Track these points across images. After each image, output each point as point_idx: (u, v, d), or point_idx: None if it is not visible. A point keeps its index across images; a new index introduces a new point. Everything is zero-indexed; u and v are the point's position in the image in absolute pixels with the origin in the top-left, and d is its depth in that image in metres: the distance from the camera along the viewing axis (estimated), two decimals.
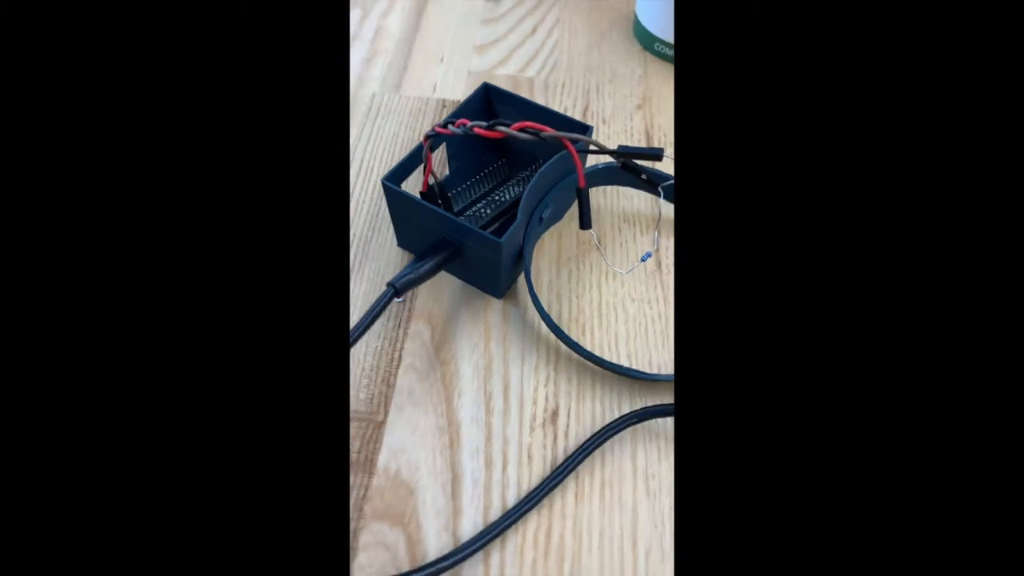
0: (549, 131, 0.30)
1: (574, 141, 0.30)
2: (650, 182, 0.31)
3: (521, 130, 0.30)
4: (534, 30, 0.57)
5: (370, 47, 0.55)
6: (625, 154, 0.29)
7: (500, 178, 0.41)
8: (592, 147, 0.30)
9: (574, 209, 0.43)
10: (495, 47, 0.56)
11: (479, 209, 0.40)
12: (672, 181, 0.38)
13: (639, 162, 0.32)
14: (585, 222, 0.31)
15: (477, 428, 0.34)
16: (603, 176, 0.41)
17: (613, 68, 0.54)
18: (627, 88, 0.52)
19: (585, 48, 0.55)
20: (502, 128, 0.30)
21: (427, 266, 0.34)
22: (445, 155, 0.42)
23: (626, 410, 0.35)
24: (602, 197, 0.44)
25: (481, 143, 0.43)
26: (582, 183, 0.31)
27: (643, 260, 0.32)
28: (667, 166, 0.43)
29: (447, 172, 0.43)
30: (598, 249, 0.38)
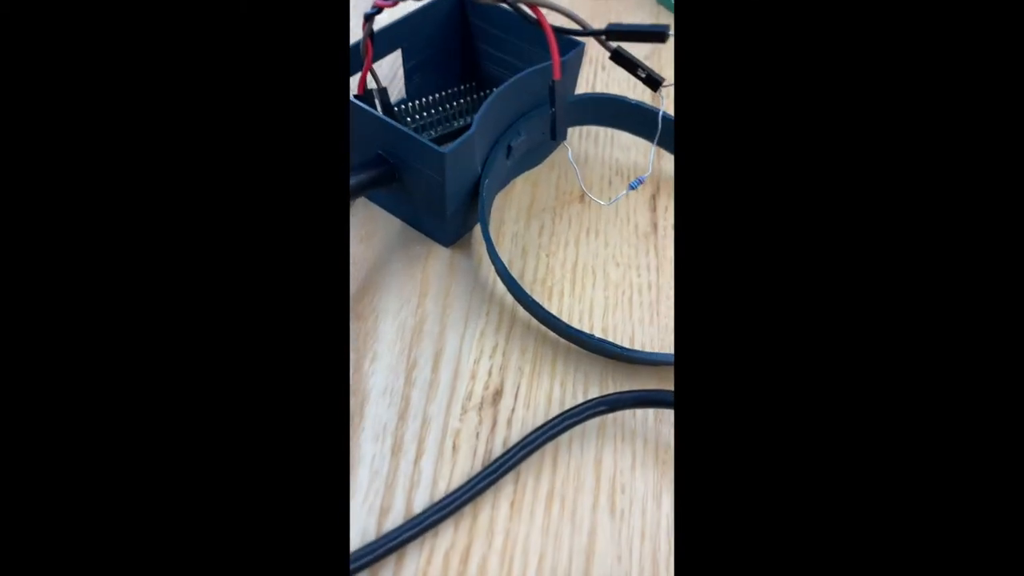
0: None
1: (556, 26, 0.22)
2: (650, 81, 0.23)
3: None
4: None
5: None
6: (618, 34, 0.21)
7: (464, 104, 0.33)
8: (575, 27, 0.22)
9: (556, 156, 0.35)
10: None
11: (433, 132, 0.31)
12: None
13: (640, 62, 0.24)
14: (557, 130, 0.23)
15: (389, 402, 0.25)
16: (592, 111, 0.33)
17: (620, 18, 0.46)
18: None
19: None
20: None
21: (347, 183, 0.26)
22: (401, 73, 0.34)
23: (594, 396, 0.26)
24: (591, 143, 0.36)
25: (446, 59, 0.35)
26: (557, 74, 0.23)
27: (632, 187, 0.24)
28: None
29: (404, 96, 0.34)
30: (576, 174, 0.30)
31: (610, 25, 0.22)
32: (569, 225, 0.32)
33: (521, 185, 0.33)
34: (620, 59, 0.23)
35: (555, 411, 0.25)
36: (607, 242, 0.31)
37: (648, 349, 0.28)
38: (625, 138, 0.36)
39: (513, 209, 0.32)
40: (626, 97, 0.33)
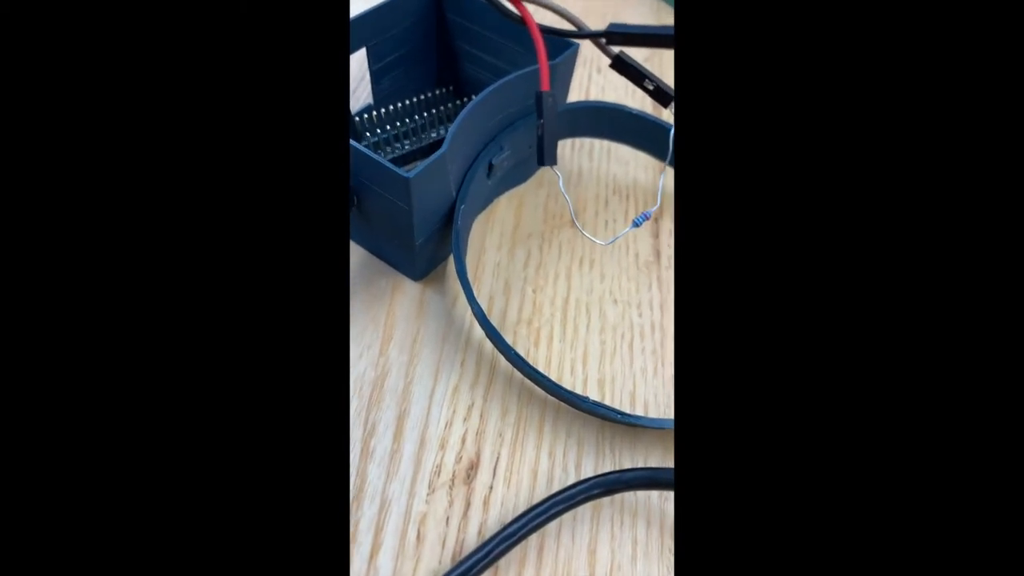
0: None
1: (545, 29, 0.18)
2: (659, 95, 0.18)
3: None
4: None
5: None
6: (621, 35, 0.17)
7: (440, 112, 0.29)
8: (569, 27, 0.18)
9: (544, 172, 0.31)
10: None
11: (400, 145, 0.27)
12: None
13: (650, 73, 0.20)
14: (546, 153, 0.19)
15: None
16: (587, 121, 0.29)
17: (617, 15, 0.42)
18: None
19: None
20: None
21: None
22: (368, 77, 0.30)
23: (590, 470, 0.22)
24: (584, 157, 0.31)
25: (420, 60, 0.30)
26: (545, 84, 0.18)
27: (636, 224, 0.20)
28: None
29: (371, 102, 0.30)
30: (569, 207, 0.25)
31: (611, 26, 0.17)
32: (559, 254, 0.28)
33: (504, 206, 0.29)
34: (623, 67, 0.18)
35: (541, 488, 0.21)
36: (603, 274, 0.27)
37: (652, 405, 0.23)
38: (623, 150, 0.32)
39: (495, 234, 0.28)
40: (627, 106, 0.29)
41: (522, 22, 0.18)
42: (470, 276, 0.26)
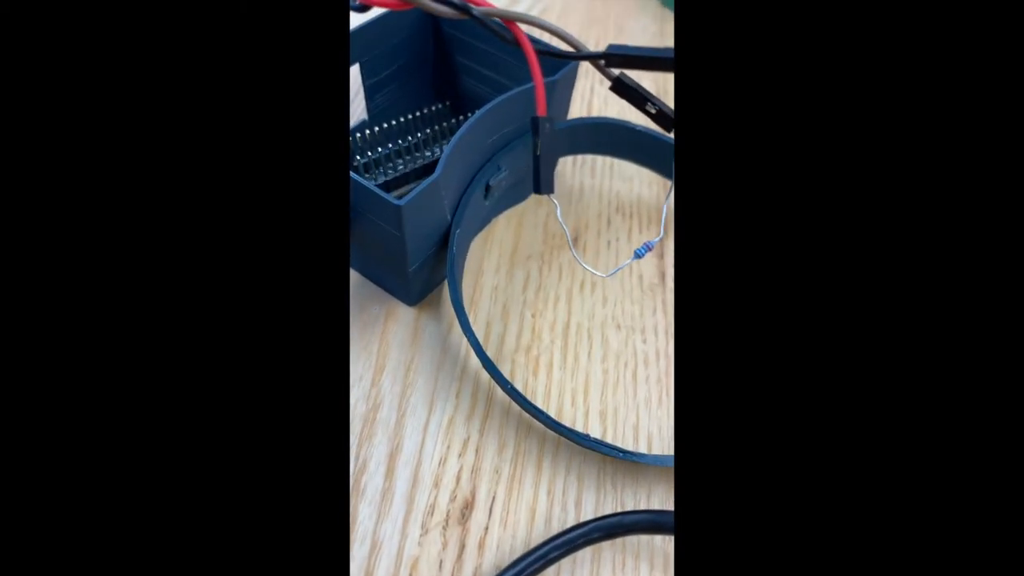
0: (486, 3, 0.16)
1: (535, 40, 0.17)
2: (661, 118, 0.17)
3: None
4: None
5: None
6: (621, 58, 0.16)
7: (437, 130, 0.28)
8: (566, 48, 0.17)
9: None
10: None
11: (394, 166, 0.26)
12: None
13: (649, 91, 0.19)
14: (542, 181, 0.18)
15: None
16: (590, 138, 0.28)
17: (620, 23, 0.41)
18: None
19: None
20: None
21: None
22: (361, 88, 0.29)
23: (590, 509, 0.21)
24: (587, 173, 0.30)
25: (416, 75, 0.30)
26: (542, 109, 0.17)
27: (638, 256, 0.19)
28: None
29: (365, 117, 0.29)
30: (567, 237, 0.24)
31: (610, 47, 0.16)
32: (560, 276, 0.27)
33: (503, 226, 0.28)
34: (623, 90, 0.17)
35: (539, 528, 0.20)
36: (605, 298, 0.26)
37: (656, 437, 0.22)
38: (627, 166, 0.31)
39: (493, 256, 0.27)
40: (630, 122, 0.28)
41: (516, 44, 0.17)
42: (467, 299, 0.25)
